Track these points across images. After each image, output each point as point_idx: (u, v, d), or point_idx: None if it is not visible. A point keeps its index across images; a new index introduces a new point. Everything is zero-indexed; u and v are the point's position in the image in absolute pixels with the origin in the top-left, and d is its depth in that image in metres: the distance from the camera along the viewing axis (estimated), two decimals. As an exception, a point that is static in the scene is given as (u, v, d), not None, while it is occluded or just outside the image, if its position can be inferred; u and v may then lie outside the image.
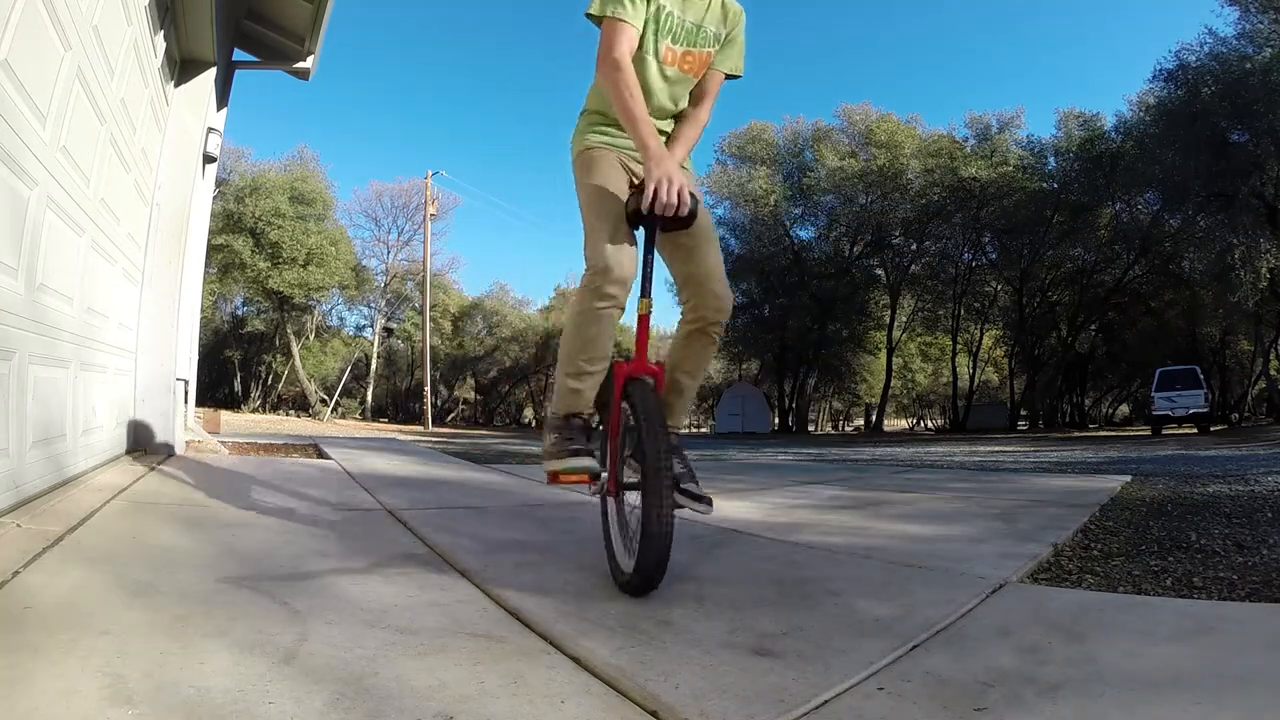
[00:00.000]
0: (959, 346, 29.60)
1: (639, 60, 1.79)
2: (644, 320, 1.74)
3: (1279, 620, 1.42)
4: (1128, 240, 23.84)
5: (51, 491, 2.35)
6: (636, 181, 1.79)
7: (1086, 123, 23.91)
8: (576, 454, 1.72)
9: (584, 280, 1.71)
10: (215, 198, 11.83)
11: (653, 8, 1.78)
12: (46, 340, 2.36)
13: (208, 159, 4.57)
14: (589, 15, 1.78)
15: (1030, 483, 4.35)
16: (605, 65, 1.71)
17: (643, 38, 1.78)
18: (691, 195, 1.65)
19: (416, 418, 25.56)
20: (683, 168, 1.82)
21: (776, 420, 29.66)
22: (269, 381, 30.47)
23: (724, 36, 1.89)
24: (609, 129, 1.90)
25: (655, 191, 1.60)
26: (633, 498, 1.66)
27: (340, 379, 30.51)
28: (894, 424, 47.65)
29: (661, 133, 1.84)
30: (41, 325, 2.30)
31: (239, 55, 5.24)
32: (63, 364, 2.59)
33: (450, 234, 53.58)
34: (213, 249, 17.88)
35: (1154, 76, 19.03)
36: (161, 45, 3.73)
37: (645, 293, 1.74)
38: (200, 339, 5.97)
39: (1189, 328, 25.80)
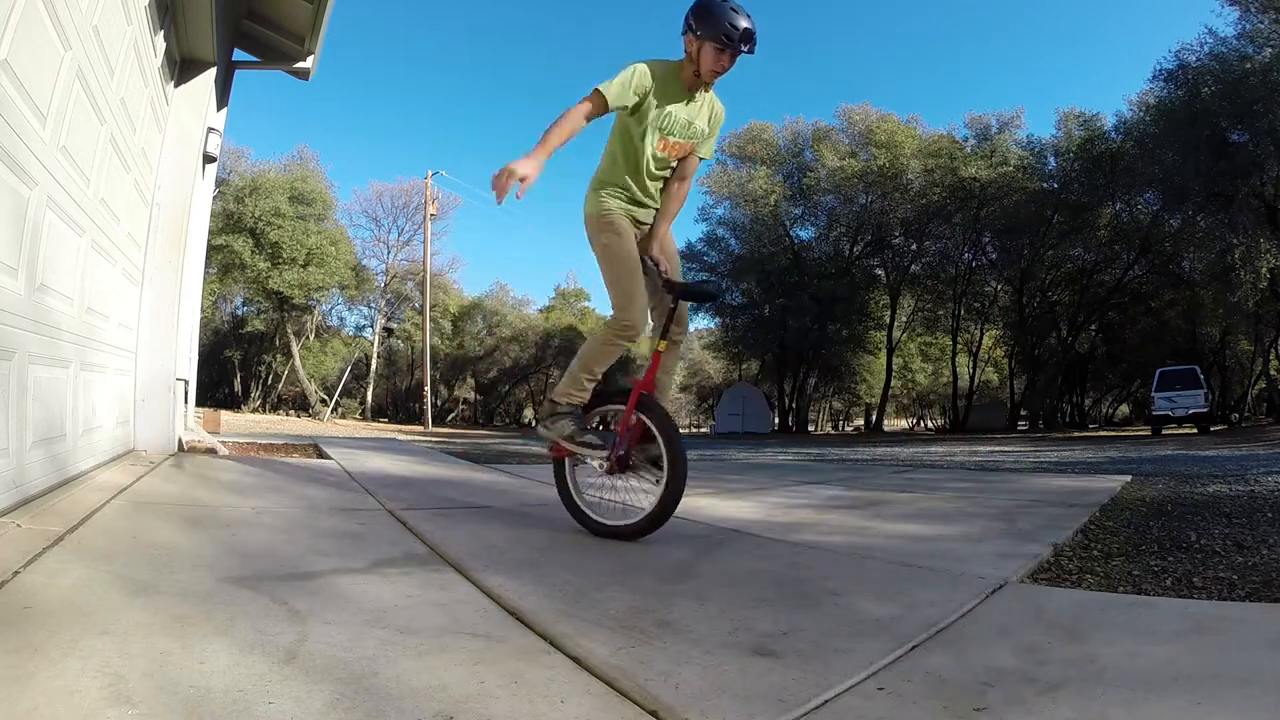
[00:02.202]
0: (959, 346, 29.56)
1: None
2: (656, 354, 2.35)
3: (1279, 620, 1.42)
4: (1128, 240, 23.81)
5: (52, 491, 2.35)
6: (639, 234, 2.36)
7: (1086, 123, 23.87)
8: (589, 444, 2.28)
9: (615, 323, 2.23)
10: (215, 198, 11.84)
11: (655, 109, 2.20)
12: (47, 340, 2.36)
13: (208, 159, 4.57)
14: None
15: (1030, 483, 4.35)
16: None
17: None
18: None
19: (416, 418, 25.55)
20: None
21: (776, 420, 29.64)
22: (269, 381, 30.45)
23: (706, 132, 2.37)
24: (621, 195, 2.31)
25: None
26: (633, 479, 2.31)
27: (340, 379, 30.49)
28: (894, 424, 47.62)
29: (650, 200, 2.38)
30: (42, 325, 2.30)
31: (239, 55, 5.23)
32: (63, 364, 2.59)
33: (450, 234, 53.42)
34: (213, 249, 17.89)
35: (1154, 76, 19.02)
36: (161, 45, 3.73)
37: (663, 336, 2.34)
38: (200, 339, 5.97)
39: (1189, 328, 25.76)
